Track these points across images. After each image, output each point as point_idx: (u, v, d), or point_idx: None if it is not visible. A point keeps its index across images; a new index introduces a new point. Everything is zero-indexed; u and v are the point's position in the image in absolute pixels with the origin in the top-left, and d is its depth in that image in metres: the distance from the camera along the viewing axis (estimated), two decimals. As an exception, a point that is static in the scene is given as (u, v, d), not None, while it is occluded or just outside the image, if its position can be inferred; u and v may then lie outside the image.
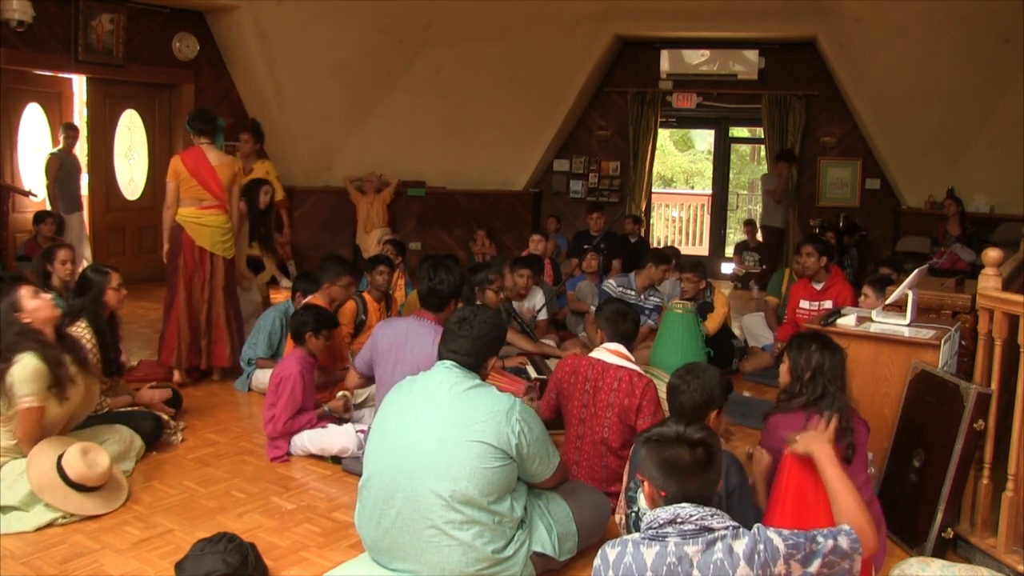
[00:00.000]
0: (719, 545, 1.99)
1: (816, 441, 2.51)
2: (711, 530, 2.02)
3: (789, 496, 2.62)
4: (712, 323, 5.94)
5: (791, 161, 9.50)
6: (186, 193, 5.18)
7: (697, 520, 2.03)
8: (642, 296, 6.00)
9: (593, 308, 6.19)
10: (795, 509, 2.59)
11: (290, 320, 4.47)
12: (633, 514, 2.99)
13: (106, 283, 4.33)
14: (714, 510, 2.06)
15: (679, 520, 2.03)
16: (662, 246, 8.65)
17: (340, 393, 4.40)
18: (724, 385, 3.15)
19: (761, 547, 2.00)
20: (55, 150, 7.70)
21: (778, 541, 2.02)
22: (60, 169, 7.55)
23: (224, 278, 5.30)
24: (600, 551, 2.14)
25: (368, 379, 4.16)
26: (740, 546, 1.99)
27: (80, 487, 3.42)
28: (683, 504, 2.05)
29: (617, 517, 3.19)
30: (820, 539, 2.07)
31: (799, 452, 2.55)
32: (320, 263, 5.08)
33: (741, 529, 2.05)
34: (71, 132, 7.81)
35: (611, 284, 6.13)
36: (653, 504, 2.13)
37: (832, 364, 3.09)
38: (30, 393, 3.38)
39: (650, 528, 2.07)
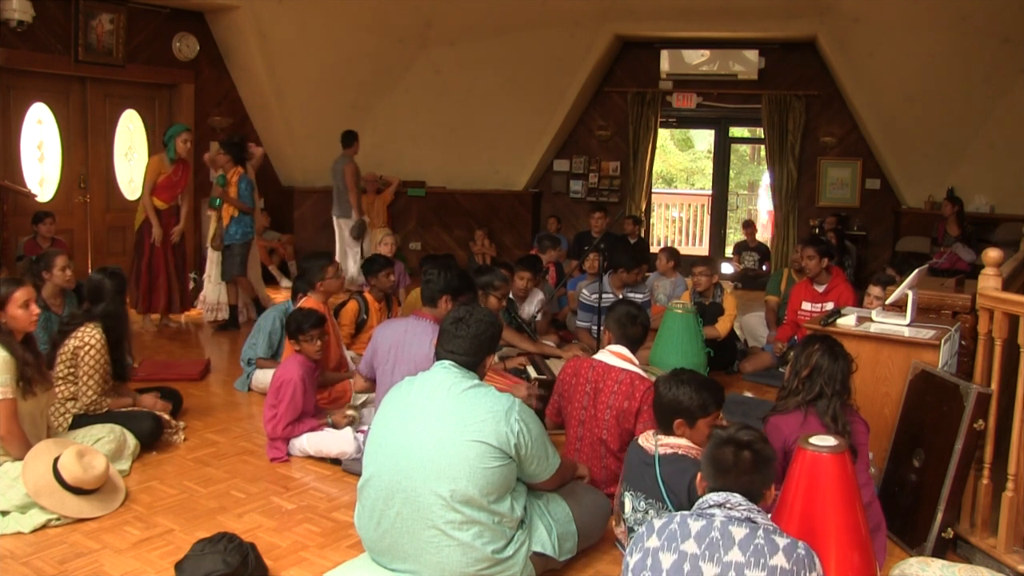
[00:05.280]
0: (761, 532, 2.11)
1: None
2: (754, 522, 2.13)
3: (799, 497, 2.59)
4: (723, 326, 5.93)
5: None
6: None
7: (744, 511, 2.15)
8: (620, 295, 5.97)
9: (579, 322, 6.17)
10: (804, 510, 2.55)
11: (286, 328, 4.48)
12: (639, 514, 3.00)
13: (123, 285, 4.35)
14: (760, 509, 2.18)
15: (728, 505, 2.16)
16: (661, 247, 8.63)
17: (348, 411, 4.38)
18: (712, 396, 3.13)
19: (801, 552, 2.10)
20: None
21: (817, 561, 2.12)
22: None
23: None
24: (647, 523, 2.26)
25: (373, 382, 4.17)
26: (781, 541, 2.10)
27: (76, 490, 3.41)
28: (734, 493, 2.18)
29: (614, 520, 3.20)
30: None
31: None
32: (300, 269, 5.15)
33: (781, 531, 2.17)
34: (351, 140, 8.39)
35: (585, 294, 6.10)
36: (701, 493, 2.27)
37: (832, 367, 3.09)
38: (1, 383, 3.36)
39: (699, 508, 2.20)
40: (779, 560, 2.05)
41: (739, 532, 2.10)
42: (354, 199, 8.39)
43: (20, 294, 3.53)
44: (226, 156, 6.98)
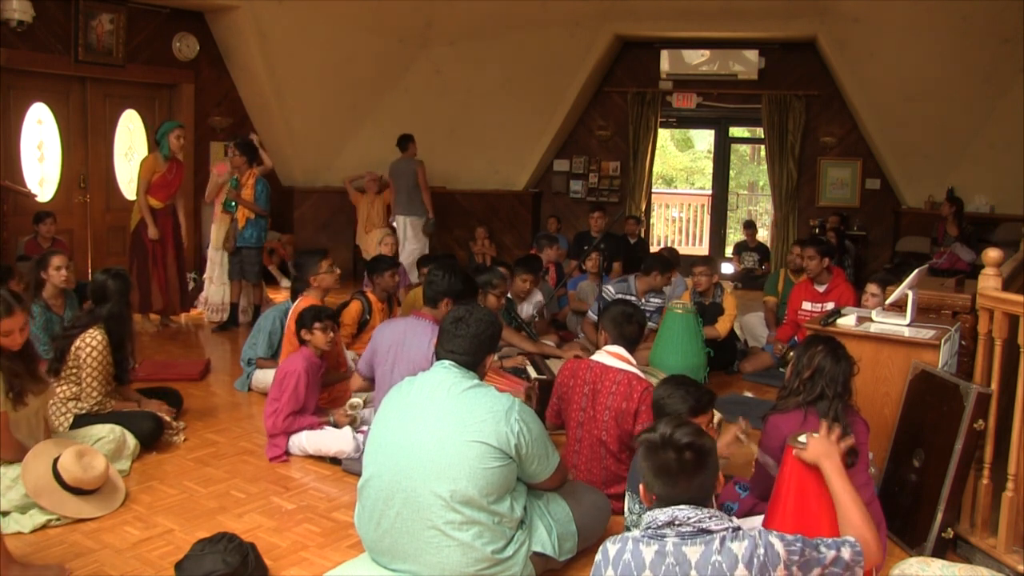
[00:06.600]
0: (717, 544, 1.99)
1: (825, 453, 2.46)
2: (709, 532, 2.01)
3: (791, 496, 2.60)
4: (723, 326, 5.93)
5: None
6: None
7: (695, 522, 2.01)
8: (643, 299, 5.97)
9: (591, 313, 6.17)
10: (796, 509, 2.57)
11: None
12: (634, 516, 3.00)
13: (127, 287, 4.31)
14: (713, 511, 2.05)
15: (677, 522, 2.02)
16: (661, 247, 8.64)
17: (349, 408, 4.39)
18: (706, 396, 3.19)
19: (761, 551, 1.99)
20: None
21: (779, 546, 2.01)
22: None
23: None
24: (602, 547, 2.13)
25: (371, 381, 4.18)
26: (739, 548, 1.98)
27: (76, 490, 3.40)
28: (681, 506, 2.04)
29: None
30: (823, 548, 2.07)
31: (807, 460, 2.52)
32: (295, 267, 5.16)
33: (741, 531, 2.03)
34: (407, 142, 8.79)
35: (609, 290, 6.07)
36: (648, 504, 2.12)
37: (834, 369, 3.08)
38: None
39: (649, 527, 2.06)
40: (740, 573, 1.95)
41: (694, 552, 1.98)
42: (428, 198, 8.80)
43: (6, 325, 3.26)
44: (242, 157, 6.98)
